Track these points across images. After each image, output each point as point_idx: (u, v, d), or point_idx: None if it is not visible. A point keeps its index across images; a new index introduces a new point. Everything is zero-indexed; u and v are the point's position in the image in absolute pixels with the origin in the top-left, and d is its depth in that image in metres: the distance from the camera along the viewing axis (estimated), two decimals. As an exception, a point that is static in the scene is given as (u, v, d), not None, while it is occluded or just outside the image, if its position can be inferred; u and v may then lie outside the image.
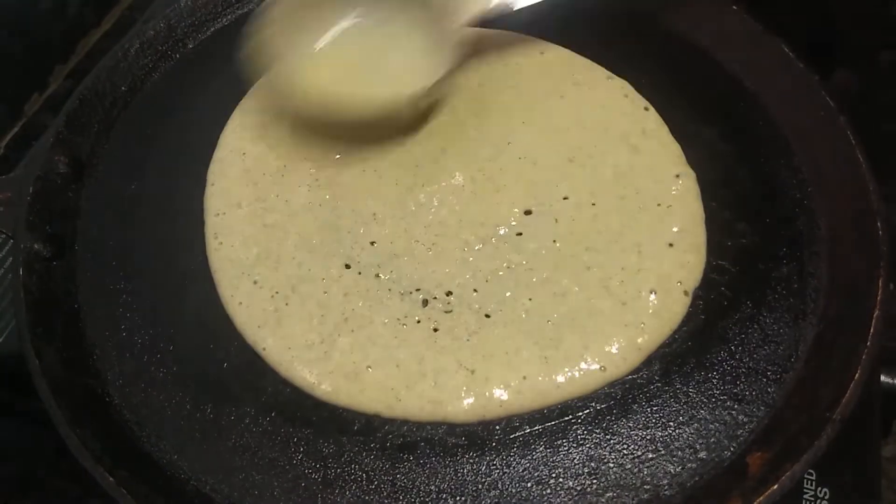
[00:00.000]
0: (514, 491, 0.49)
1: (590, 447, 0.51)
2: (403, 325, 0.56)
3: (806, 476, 0.53)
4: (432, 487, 0.50)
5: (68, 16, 0.87)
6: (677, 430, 0.51)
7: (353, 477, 0.50)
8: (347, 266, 0.59)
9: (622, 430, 0.51)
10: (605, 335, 0.55)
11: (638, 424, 0.52)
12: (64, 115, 0.66)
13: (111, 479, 0.47)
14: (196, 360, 0.55)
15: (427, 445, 0.52)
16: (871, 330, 0.51)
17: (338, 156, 0.65)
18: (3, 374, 0.66)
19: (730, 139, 0.65)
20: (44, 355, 0.53)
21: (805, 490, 0.52)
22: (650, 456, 0.50)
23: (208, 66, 0.71)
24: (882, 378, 0.57)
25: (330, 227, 0.61)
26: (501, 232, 0.60)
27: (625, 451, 0.51)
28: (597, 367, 0.54)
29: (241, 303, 0.58)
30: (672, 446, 0.51)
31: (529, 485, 0.50)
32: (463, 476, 0.50)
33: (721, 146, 0.64)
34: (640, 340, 0.55)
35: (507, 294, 0.57)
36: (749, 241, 0.59)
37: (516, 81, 0.69)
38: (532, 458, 0.51)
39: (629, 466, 0.50)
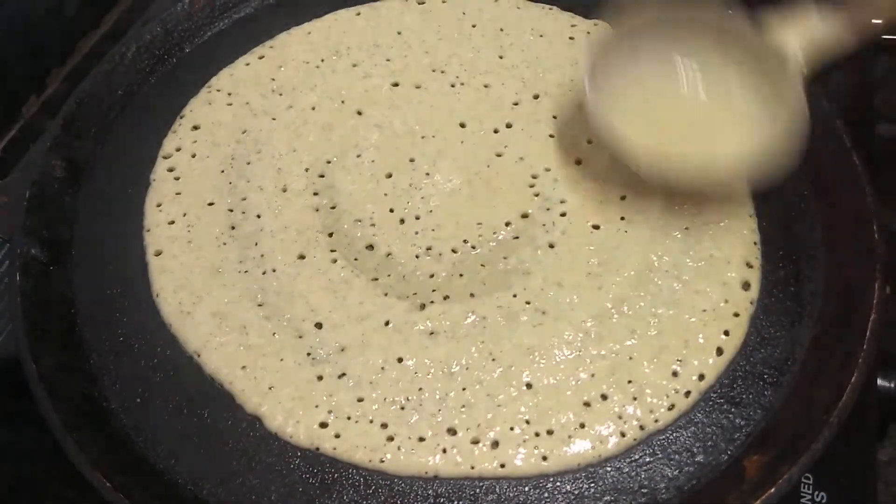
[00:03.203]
0: (511, 495, 0.49)
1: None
2: (399, 330, 0.56)
3: (803, 480, 0.53)
4: (430, 492, 0.50)
5: (66, 18, 0.86)
6: (674, 434, 0.51)
7: (350, 482, 0.50)
8: (343, 267, 0.59)
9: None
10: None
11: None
12: (61, 119, 0.65)
13: (108, 483, 0.47)
14: (193, 365, 0.55)
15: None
16: (868, 333, 0.51)
17: (334, 159, 0.65)
18: (-1, 379, 0.66)
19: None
20: (40, 359, 0.53)
21: (802, 494, 0.52)
22: (647, 459, 0.50)
23: (206, 71, 0.71)
24: (879, 381, 0.57)
25: (325, 230, 0.61)
26: (499, 235, 0.60)
27: (622, 455, 0.51)
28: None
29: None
30: (669, 450, 0.51)
31: (527, 489, 0.50)
32: (460, 480, 0.50)
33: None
34: None
35: (506, 296, 0.57)
36: (746, 245, 0.59)
37: None
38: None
39: (626, 470, 0.50)
